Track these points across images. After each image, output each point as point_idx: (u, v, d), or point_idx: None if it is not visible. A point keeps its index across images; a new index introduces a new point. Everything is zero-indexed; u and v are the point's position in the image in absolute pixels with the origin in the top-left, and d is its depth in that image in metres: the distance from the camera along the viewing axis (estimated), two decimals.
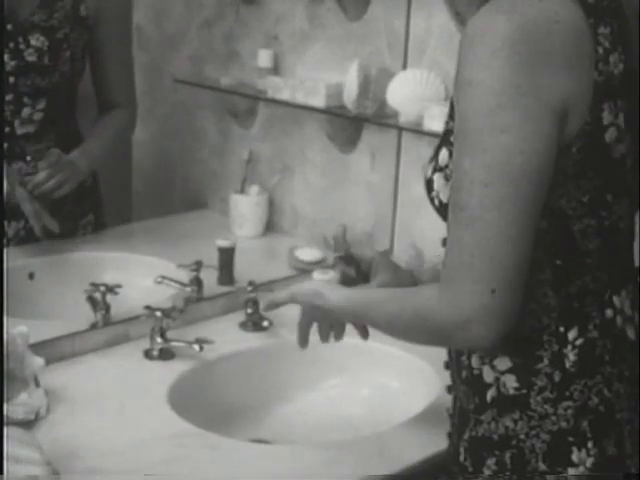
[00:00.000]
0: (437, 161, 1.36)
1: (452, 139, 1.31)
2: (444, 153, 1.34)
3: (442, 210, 1.35)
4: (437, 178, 1.35)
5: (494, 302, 1.24)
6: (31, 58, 2.00)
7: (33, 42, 2.00)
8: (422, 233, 2.33)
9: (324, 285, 1.53)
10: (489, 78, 1.22)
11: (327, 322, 1.60)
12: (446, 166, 1.33)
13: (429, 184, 1.37)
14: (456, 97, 1.28)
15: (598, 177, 1.30)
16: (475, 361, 1.37)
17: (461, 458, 1.40)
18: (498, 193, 1.23)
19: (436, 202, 1.36)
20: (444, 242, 1.43)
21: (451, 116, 1.34)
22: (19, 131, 2.04)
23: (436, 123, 2.14)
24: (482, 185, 1.23)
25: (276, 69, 2.43)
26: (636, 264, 1.43)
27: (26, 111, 2.03)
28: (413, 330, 1.35)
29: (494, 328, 1.25)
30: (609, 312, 1.35)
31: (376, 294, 1.48)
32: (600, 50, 1.28)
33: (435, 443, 1.64)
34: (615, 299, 1.36)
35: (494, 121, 1.22)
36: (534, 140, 1.23)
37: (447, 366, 1.48)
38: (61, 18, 2.04)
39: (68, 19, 2.05)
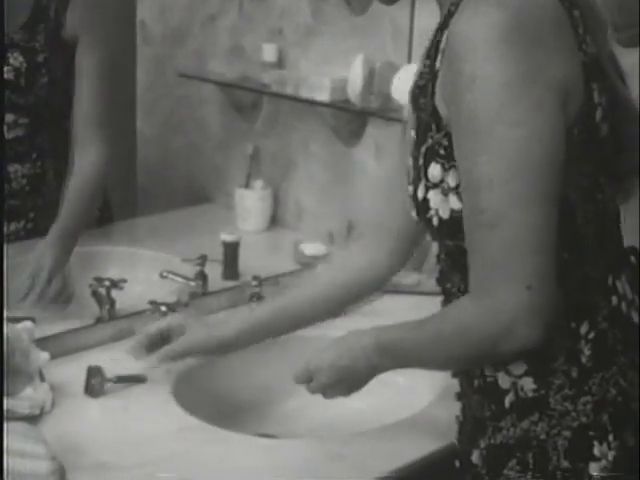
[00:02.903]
0: (427, 179, 1.31)
1: (441, 152, 1.29)
2: (434, 168, 1.30)
3: (443, 227, 1.31)
4: (433, 196, 1.31)
5: (533, 298, 1.22)
6: (8, 75, 1.96)
7: (12, 61, 1.96)
8: None
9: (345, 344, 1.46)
10: (494, 72, 1.20)
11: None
12: (441, 181, 1.30)
13: (423, 205, 1.32)
14: (456, 99, 1.24)
15: (594, 159, 1.30)
16: (488, 368, 1.36)
17: (477, 467, 1.39)
18: (521, 187, 1.21)
19: (434, 221, 1.32)
20: (438, 259, 1.41)
21: (436, 128, 1.30)
22: (8, 135, 2.01)
23: None
24: (503, 182, 1.21)
25: (280, 63, 2.43)
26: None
27: (9, 117, 2.00)
28: (458, 350, 1.32)
29: (540, 324, 1.24)
30: (614, 299, 1.34)
31: (405, 329, 1.40)
32: (580, 31, 1.28)
33: (440, 439, 1.63)
34: (618, 284, 1.35)
35: (507, 114, 1.20)
36: (549, 127, 1.22)
37: (454, 374, 1.46)
38: (42, 41, 1.98)
39: (49, 43, 1.99)
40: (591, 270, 1.33)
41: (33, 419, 1.64)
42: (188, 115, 2.56)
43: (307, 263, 2.31)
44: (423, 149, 1.32)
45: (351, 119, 2.37)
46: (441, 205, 1.30)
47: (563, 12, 1.27)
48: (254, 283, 2.11)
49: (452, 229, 1.30)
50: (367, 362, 1.42)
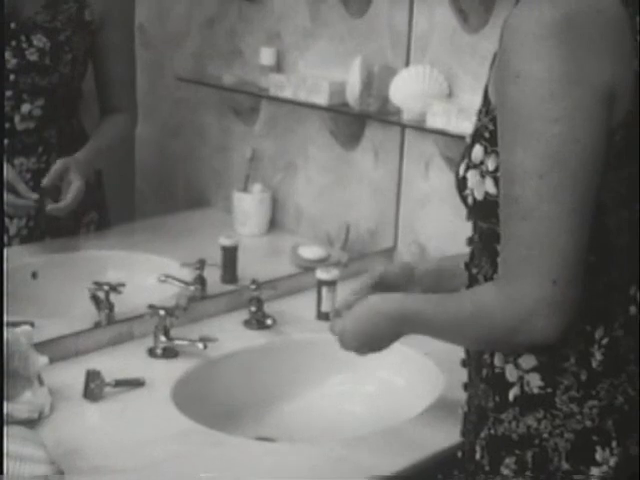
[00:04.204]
0: (470, 158, 1.34)
1: (486, 135, 1.31)
2: (478, 150, 1.33)
3: (476, 207, 1.34)
4: (471, 175, 1.33)
5: (556, 293, 1.23)
6: (32, 57, 2.01)
7: (35, 42, 2.00)
8: (425, 230, 2.33)
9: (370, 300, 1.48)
10: (538, 68, 1.22)
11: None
12: (481, 162, 1.32)
13: (462, 182, 1.35)
14: (501, 90, 1.26)
15: (636, 168, 1.30)
16: (498, 359, 1.36)
17: (477, 457, 1.39)
18: (554, 183, 1.22)
19: (469, 200, 1.34)
20: (470, 241, 1.42)
21: (485, 112, 1.32)
22: (19, 127, 2.04)
23: (439, 120, 2.14)
24: (537, 176, 1.22)
25: (278, 67, 2.43)
26: None
27: (25, 107, 2.03)
28: (473, 331, 1.33)
29: (558, 320, 1.24)
30: (633, 309, 1.34)
31: (429, 302, 1.41)
32: None
33: (440, 440, 1.64)
34: (638, 295, 1.35)
35: (547, 111, 1.22)
36: (587, 128, 1.23)
37: (464, 364, 1.46)
38: (64, 21, 2.04)
39: (71, 22, 2.05)
40: (616, 277, 1.32)
41: (32, 423, 1.64)
42: (186, 119, 2.56)
43: (306, 266, 2.31)
44: (473, 129, 1.36)
45: (349, 122, 2.37)
46: (477, 186, 1.33)
47: (626, 18, 1.27)
48: (253, 287, 2.10)
49: (485, 211, 1.32)
50: (390, 328, 1.46)
